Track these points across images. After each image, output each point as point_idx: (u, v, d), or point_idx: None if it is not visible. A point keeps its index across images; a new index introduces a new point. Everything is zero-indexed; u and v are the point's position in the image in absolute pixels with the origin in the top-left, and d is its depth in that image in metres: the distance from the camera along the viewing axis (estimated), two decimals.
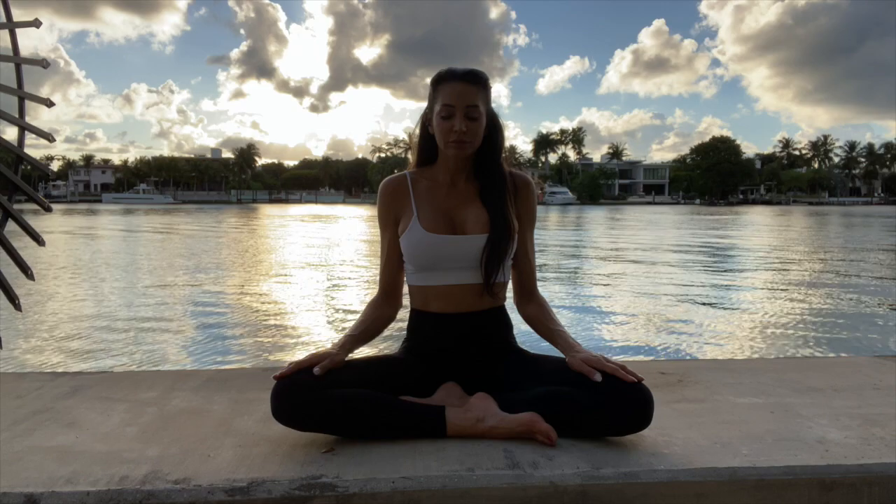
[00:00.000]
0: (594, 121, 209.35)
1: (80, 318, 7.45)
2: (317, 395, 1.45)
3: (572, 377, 1.50)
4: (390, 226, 1.71)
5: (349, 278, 11.63)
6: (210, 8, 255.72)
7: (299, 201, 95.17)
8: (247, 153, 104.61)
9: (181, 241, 20.75)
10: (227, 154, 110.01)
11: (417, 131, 1.74)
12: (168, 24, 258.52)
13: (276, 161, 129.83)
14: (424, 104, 1.72)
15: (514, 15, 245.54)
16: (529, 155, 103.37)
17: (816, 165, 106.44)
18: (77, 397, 1.85)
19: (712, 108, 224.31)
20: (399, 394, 1.55)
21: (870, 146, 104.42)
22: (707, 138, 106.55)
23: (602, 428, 1.48)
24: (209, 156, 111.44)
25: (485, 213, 1.65)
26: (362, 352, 1.66)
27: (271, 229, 28.08)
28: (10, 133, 1.99)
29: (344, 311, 8.18)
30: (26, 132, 2.00)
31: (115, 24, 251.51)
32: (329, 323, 7.42)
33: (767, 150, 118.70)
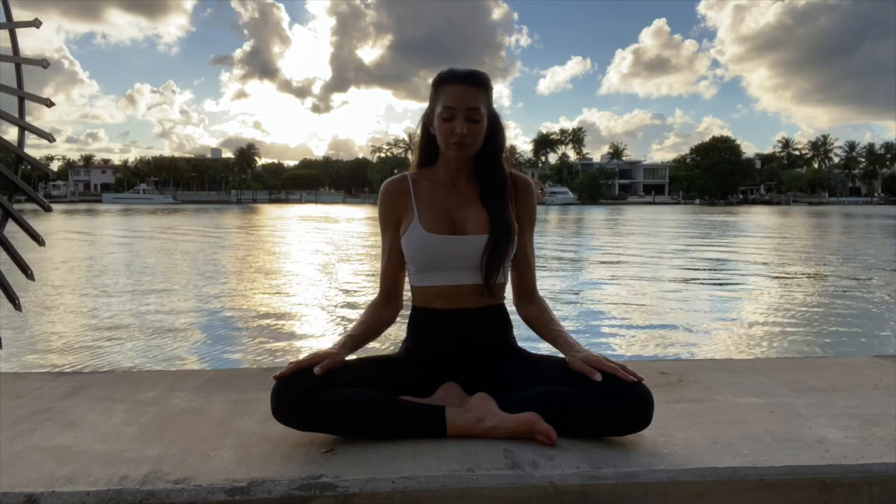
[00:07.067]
0: (595, 121, 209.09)
1: (81, 318, 7.45)
2: (317, 395, 1.45)
3: (572, 377, 1.50)
4: (391, 227, 1.71)
5: (350, 277, 11.64)
6: (214, 9, 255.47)
7: (299, 201, 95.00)
8: (247, 153, 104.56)
9: (182, 241, 20.75)
10: (227, 154, 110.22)
11: (419, 132, 1.74)
12: (173, 26, 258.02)
13: (276, 161, 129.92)
14: (426, 105, 1.72)
15: (516, 16, 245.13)
16: (529, 155, 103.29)
17: (816, 165, 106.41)
18: (77, 397, 1.85)
19: (712, 109, 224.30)
20: (399, 394, 1.55)
21: (870, 146, 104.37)
22: (707, 138, 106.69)
23: (602, 428, 1.48)
24: (209, 156, 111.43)
25: (485, 213, 1.65)
26: (363, 352, 1.66)
27: (274, 230, 28.08)
28: (11, 133, 1.99)
29: (345, 310, 8.18)
30: (26, 132, 2.01)
31: (122, 26, 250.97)
32: (330, 324, 7.42)
33: (767, 150, 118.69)
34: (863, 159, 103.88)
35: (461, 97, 1.59)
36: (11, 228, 1.96)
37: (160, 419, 1.66)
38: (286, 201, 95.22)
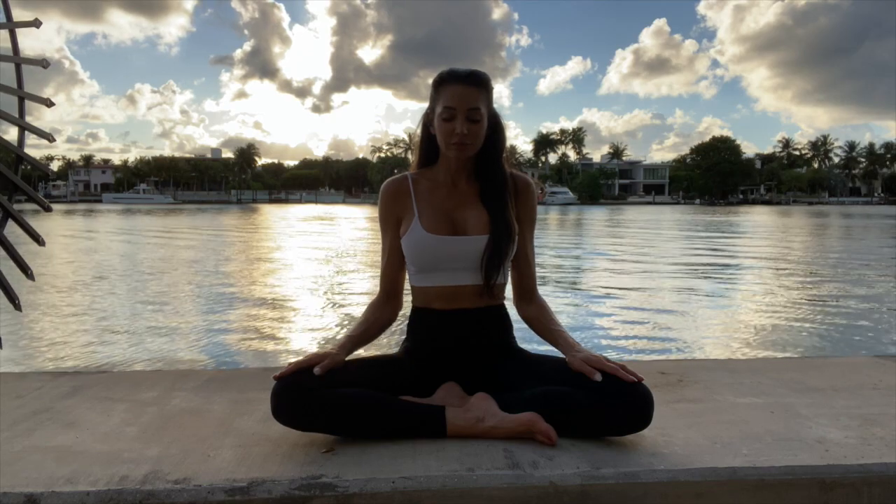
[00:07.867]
0: (595, 121, 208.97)
1: (81, 318, 7.45)
2: (317, 395, 1.45)
3: (572, 377, 1.50)
4: (391, 227, 1.71)
5: (352, 274, 11.64)
6: (215, 9, 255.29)
7: (299, 201, 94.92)
8: (247, 153, 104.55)
9: (182, 241, 20.75)
10: (227, 154, 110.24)
11: (419, 132, 1.74)
12: (174, 26, 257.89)
13: (276, 161, 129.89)
14: (426, 105, 1.72)
15: (516, 16, 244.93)
16: (529, 155, 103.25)
17: (816, 165, 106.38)
18: (77, 397, 1.85)
19: (712, 109, 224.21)
20: (399, 394, 1.55)
21: (870, 146, 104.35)
22: (707, 138, 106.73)
23: (602, 428, 1.48)
24: (209, 156, 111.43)
25: (485, 213, 1.65)
26: (363, 352, 1.66)
27: (275, 231, 28.08)
28: (11, 133, 1.99)
29: (345, 310, 8.18)
30: (26, 132, 2.01)
31: (123, 26, 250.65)
32: (330, 323, 7.42)
33: (767, 150, 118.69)
34: (863, 159, 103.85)
35: (461, 97, 1.59)
36: (11, 228, 1.96)
37: (160, 419, 1.66)
38: (286, 201, 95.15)
